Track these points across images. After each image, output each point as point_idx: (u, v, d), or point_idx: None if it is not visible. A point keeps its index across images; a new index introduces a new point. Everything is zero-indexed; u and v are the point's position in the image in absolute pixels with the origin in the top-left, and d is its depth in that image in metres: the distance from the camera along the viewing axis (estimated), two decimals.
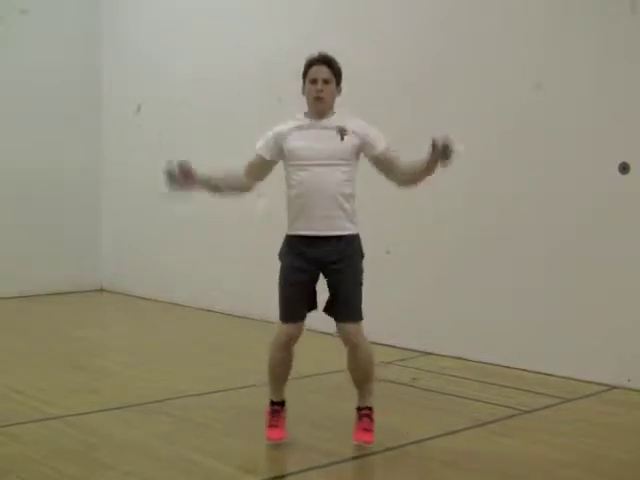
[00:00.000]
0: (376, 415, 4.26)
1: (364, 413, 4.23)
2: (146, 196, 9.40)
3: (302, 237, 4.09)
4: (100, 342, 7.34)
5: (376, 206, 6.27)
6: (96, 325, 8.30)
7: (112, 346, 7.30)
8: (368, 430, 4.18)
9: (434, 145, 3.94)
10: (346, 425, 4.43)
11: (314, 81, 4.10)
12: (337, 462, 4.03)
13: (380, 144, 4.14)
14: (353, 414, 4.30)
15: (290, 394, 4.40)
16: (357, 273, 4.14)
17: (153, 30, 9.33)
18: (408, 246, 6.71)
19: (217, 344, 7.06)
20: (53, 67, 9.53)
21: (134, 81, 9.60)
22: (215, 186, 4.28)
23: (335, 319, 4.13)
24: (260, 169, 4.24)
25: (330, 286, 4.13)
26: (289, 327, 4.13)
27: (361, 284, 4.16)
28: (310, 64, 4.14)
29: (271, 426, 4.23)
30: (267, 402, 4.33)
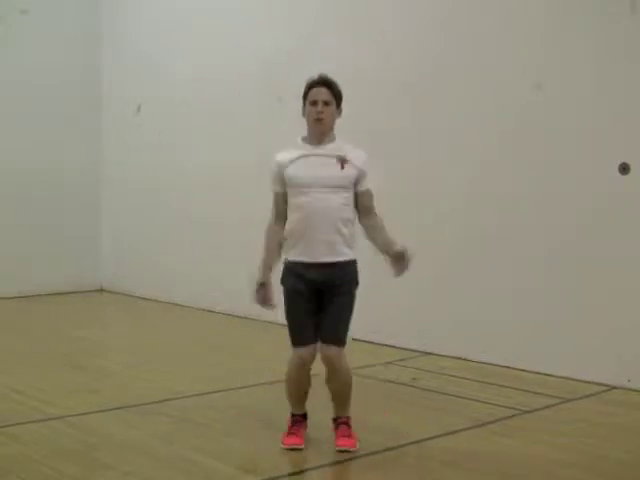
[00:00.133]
0: (376, 415, 4.27)
1: (342, 421, 4.25)
2: (146, 196, 9.44)
3: (301, 263, 4.11)
4: (100, 342, 7.34)
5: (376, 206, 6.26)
6: (96, 325, 8.30)
7: (112, 346, 7.30)
8: (347, 436, 4.19)
9: (395, 257, 4.12)
10: None
11: (314, 103, 4.11)
12: (337, 462, 4.03)
13: (367, 183, 4.18)
14: (352, 414, 4.29)
15: None
16: (350, 300, 4.17)
17: (153, 30, 9.33)
18: (408, 246, 6.69)
19: (217, 344, 7.06)
20: (53, 67, 9.53)
21: (134, 81, 9.60)
22: (276, 266, 4.25)
23: (320, 340, 4.13)
24: (285, 203, 4.21)
25: (323, 308, 4.14)
26: (301, 351, 4.14)
27: (351, 311, 4.18)
28: (310, 86, 4.16)
29: (290, 434, 4.24)
30: (267, 402, 4.34)
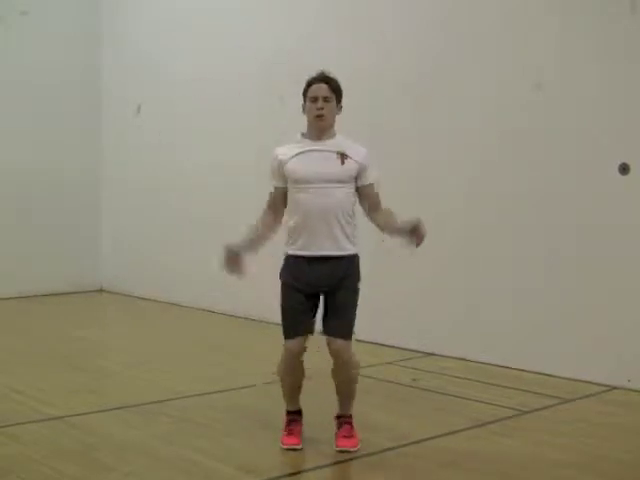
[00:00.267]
0: (376, 415, 4.26)
1: (345, 421, 4.25)
2: (146, 196, 9.43)
3: (302, 257, 4.11)
4: (100, 342, 7.34)
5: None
6: (96, 325, 8.30)
7: (112, 346, 7.30)
8: (350, 437, 4.19)
9: (411, 230, 4.14)
10: None
11: (314, 99, 4.11)
12: (337, 462, 4.03)
13: (370, 176, 4.19)
14: (353, 414, 4.29)
15: None
16: (354, 293, 4.18)
17: (153, 30, 9.33)
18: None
19: (217, 344, 7.06)
20: (53, 67, 9.53)
21: (134, 81, 9.60)
22: (256, 247, 4.25)
23: (327, 334, 4.14)
24: (283, 198, 4.22)
25: (326, 303, 4.16)
26: (289, 343, 4.15)
27: (356, 304, 4.18)
28: (310, 83, 4.16)
29: (288, 434, 4.24)
30: (267, 402, 4.34)
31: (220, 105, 8.41)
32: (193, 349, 6.85)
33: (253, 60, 8.02)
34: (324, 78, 4.16)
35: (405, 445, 4.27)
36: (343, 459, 4.07)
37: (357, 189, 4.19)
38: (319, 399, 4.38)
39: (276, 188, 4.22)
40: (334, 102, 4.15)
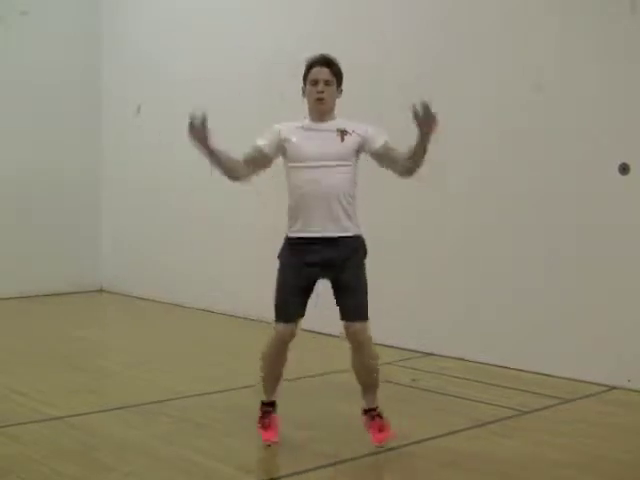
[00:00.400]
0: None
1: (375, 414, 4.22)
2: (146, 196, 9.44)
3: (303, 239, 4.09)
4: (100, 342, 7.34)
5: (376, 206, 6.27)
6: (96, 325, 8.30)
7: (112, 346, 7.30)
8: (383, 430, 4.18)
9: (415, 113, 3.90)
10: (346, 426, 4.45)
11: (315, 82, 4.10)
12: (337, 463, 4.02)
13: (380, 138, 4.16)
14: (353, 415, 4.30)
15: (289, 395, 4.40)
16: (362, 272, 4.14)
17: (153, 30, 9.33)
18: (408, 246, 6.71)
19: (217, 344, 7.06)
20: (53, 67, 9.53)
21: (134, 81, 9.60)
22: (218, 160, 4.17)
23: (343, 319, 4.10)
24: (255, 161, 4.18)
25: (336, 287, 4.11)
26: (280, 326, 4.12)
27: (366, 284, 4.15)
28: (311, 66, 4.14)
29: (266, 428, 4.24)
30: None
31: (220, 105, 8.36)
32: (193, 349, 6.85)
33: (253, 60, 8.02)
34: (325, 61, 4.13)
35: (405, 445, 4.27)
36: (343, 459, 4.06)
37: (372, 156, 4.15)
38: (319, 399, 4.38)
39: (257, 147, 4.12)
40: (335, 86, 4.13)
